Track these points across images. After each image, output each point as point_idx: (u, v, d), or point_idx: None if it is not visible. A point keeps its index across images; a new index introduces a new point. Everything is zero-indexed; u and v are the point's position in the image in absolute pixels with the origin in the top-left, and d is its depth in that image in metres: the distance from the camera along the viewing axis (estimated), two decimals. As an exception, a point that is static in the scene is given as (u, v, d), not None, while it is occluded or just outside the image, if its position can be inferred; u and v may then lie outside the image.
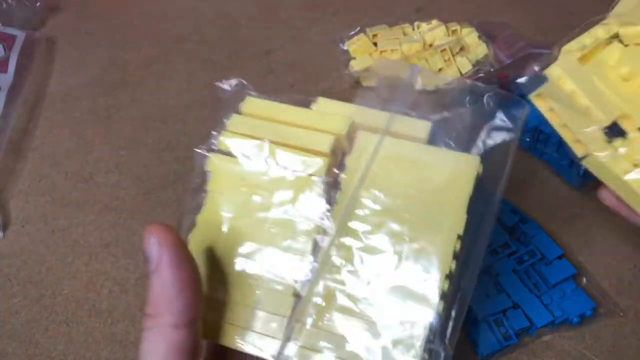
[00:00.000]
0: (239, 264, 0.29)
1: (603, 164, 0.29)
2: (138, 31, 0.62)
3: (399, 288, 0.27)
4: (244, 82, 0.35)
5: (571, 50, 0.31)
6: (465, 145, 0.31)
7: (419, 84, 0.33)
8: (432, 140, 0.31)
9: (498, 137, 0.30)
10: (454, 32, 0.56)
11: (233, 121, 0.32)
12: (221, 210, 0.30)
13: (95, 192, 0.46)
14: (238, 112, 0.33)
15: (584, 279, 0.39)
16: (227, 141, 0.32)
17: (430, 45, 0.55)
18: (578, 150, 0.30)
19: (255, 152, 0.31)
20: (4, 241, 0.43)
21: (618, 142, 0.29)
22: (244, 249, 0.29)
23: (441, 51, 0.52)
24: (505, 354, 0.36)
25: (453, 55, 0.53)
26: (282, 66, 0.57)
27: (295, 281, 0.28)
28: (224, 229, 0.30)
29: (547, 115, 0.31)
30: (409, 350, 0.26)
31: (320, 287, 0.28)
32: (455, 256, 0.27)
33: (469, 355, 0.35)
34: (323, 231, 0.29)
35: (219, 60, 0.58)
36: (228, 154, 0.31)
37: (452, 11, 0.62)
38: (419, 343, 0.26)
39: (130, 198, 0.45)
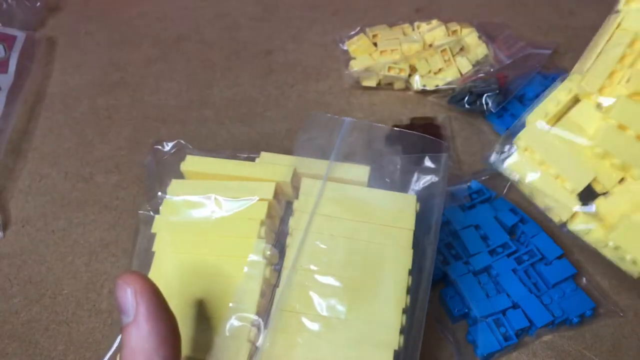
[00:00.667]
0: (192, 316, 0.28)
1: (579, 236, 0.29)
2: (138, 31, 0.62)
3: (355, 331, 0.27)
4: (182, 142, 0.35)
5: (536, 119, 0.30)
6: (400, 186, 0.32)
7: (352, 137, 0.33)
8: (371, 183, 0.32)
9: (427, 178, 0.32)
10: (454, 32, 0.56)
11: (174, 185, 0.32)
12: (169, 268, 0.30)
13: (95, 192, 0.46)
14: (179, 172, 0.33)
15: (584, 279, 0.39)
16: (172, 202, 0.32)
17: (430, 46, 0.55)
18: (555, 218, 0.30)
19: (200, 207, 0.31)
20: (4, 241, 0.43)
21: (593, 208, 0.29)
22: (194, 301, 0.29)
23: (441, 51, 0.52)
24: (505, 354, 0.36)
25: (453, 56, 0.53)
26: (282, 66, 0.57)
27: (253, 325, 0.27)
28: (173, 285, 0.29)
29: (519, 186, 0.31)
30: None
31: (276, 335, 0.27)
32: (408, 291, 0.28)
33: (469, 356, 0.35)
34: (272, 274, 0.29)
35: (219, 60, 0.58)
36: (173, 213, 0.31)
37: (452, 11, 0.62)
38: None
39: (130, 198, 0.45)
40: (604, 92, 0.29)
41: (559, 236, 0.40)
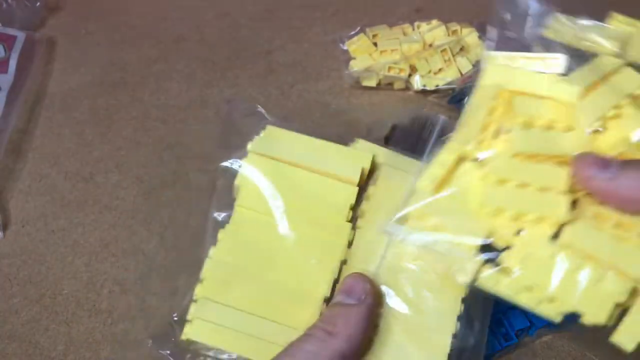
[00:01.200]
0: (263, 279, 0.30)
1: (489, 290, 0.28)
2: (138, 31, 0.62)
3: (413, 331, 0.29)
4: (260, 108, 0.35)
5: (427, 185, 0.30)
6: None
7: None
8: None
9: None
10: (454, 32, 0.56)
11: (257, 143, 0.33)
12: (248, 225, 0.31)
13: (95, 192, 0.46)
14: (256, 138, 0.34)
15: (584, 279, 0.39)
16: (254, 158, 0.32)
17: (430, 45, 0.55)
18: (460, 279, 0.29)
19: (287, 174, 0.32)
20: (4, 241, 0.43)
21: (500, 260, 0.28)
22: (271, 262, 0.30)
23: (441, 51, 0.52)
24: (506, 354, 0.36)
25: (453, 56, 0.53)
26: (282, 66, 0.57)
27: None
28: (250, 241, 0.31)
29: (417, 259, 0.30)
30: None
31: None
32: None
33: (469, 356, 0.35)
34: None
35: (219, 60, 0.58)
36: (260, 170, 0.32)
37: (452, 11, 0.62)
38: None
39: (130, 198, 0.45)
40: (481, 147, 0.29)
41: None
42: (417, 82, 0.52)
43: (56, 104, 0.54)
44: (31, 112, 0.53)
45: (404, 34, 0.56)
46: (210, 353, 0.29)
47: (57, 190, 0.46)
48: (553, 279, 0.26)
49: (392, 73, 0.52)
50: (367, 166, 0.32)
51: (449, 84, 0.52)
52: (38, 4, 0.61)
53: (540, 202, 0.27)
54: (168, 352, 0.30)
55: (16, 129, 0.51)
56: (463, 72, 0.52)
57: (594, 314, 0.26)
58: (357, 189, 0.32)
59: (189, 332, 0.29)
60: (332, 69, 0.56)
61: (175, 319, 0.31)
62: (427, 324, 0.29)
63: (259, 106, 0.35)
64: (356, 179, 0.32)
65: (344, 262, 0.31)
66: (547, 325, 0.36)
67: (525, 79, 0.31)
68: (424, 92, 0.53)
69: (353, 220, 0.32)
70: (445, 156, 0.30)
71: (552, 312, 0.27)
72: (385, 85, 0.54)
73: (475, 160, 0.30)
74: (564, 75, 0.30)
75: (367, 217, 0.32)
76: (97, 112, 0.53)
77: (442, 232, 0.29)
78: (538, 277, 0.27)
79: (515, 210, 0.27)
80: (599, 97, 0.29)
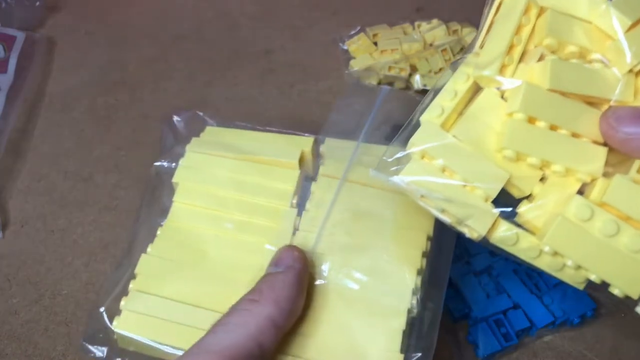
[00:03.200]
0: (203, 266, 0.29)
1: (504, 248, 0.24)
2: (138, 31, 0.62)
3: (374, 276, 0.27)
4: (200, 113, 0.35)
5: (430, 118, 0.25)
6: None
7: (390, 105, 0.33)
8: None
9: None
10: (454, 31, 0.56)
11: (195, 143, 0.33)
12: (186, 219, 0.30)
13: (94, 192, 0.46)
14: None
15: (585, 279, 0.39)
16: (194, 155, 0.32)
17: (431, 45, 0.55)
18: (471, 235, 0.25)
19: (224, 166, 0.32)
20: (3, 241, 0.43)
21: (519, 211, 0.24)
22: (209, 253, 0.29)
23: (441, 51, 0.52)
24: (506, 355, 0.36)
25: (453, 55, 0.53)
26: (282, 66, 0.57)
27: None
28: (188, 235, 0.30)
29: (420, 203, 0.25)
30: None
31: None
32: (424, 254, 0.28)
33: (469, 356, 0.35)
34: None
35: (219, 60, 0.58)
36: (196, 166, 0.32)
37: (453, 11, 0.62)
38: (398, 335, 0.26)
39: (130, 198, 0.45)
40: (504, 73, 0.24)
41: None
42: (418, 82, 0.52)
43: (55, 104, 0.53)
44: (31, 112, 0.52)
45: (405, 33, 0.56)
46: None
47: (56, 190, 0.46)
48: (583, 244, 0.23)
49: (392, 73, 0.52)
50: (308, 149, 0.31)
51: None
52: (38, 3, 0.60)
53: (572, 150, 0.23)
54: (103, 352, 0.29)
55: (15, 129, 0.50)
56: (463, 72, 0.52)
57: (629, 286, 0.22)
58: (298, 172, 0.30)
59: (119, 325, 0.27)
60: (332, 69, 0.56)
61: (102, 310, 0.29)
62: (380, 299, 0.27)
63: (199, 112, 0.35)
64: (296, 162, 0.30)
65: None
66: (547, 325, 0.36)
67: None
68: (424, 92, 0.53)
69: (300, 206, 0.30)
70: (458, 84, 0.25)
71: (576, 279, 0.24)
72: (386, 85, 0.54)
73: (497, 89, 0.25)
74: None
75: (316, 201, 0.30)
76: (96, 111, 0.53)
77: (451, 176, 0.24)
78: (565, 241, 0.23)
79: (541, 157, 0.23)
80: None
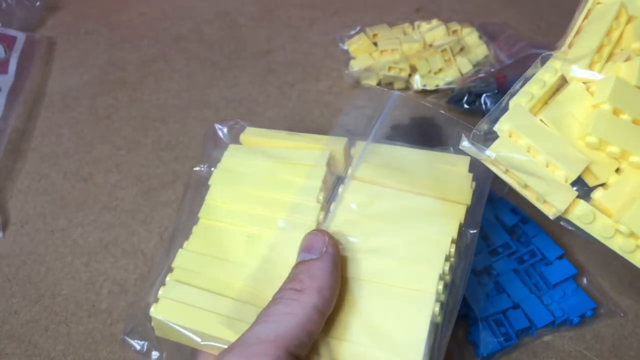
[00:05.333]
0: (235, 260, 0.30)
1: (579, 227, 0.26)
2: (138, 31, 0.62)
3: (396, 288, 0.27)
4: (240, 122, 0.36)
5: (520, 102, 0.27)
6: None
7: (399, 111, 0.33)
8: None
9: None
10: (454, 32, 0.56)
11: (231, 150, 0.34)
12: (218, 216, 0.31)
13: (94, 192, 0.46)
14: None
15: (585, 279, 0.39)
16: (230, 160, 0.33)
17: (431, 45, 0.55)
18: (548, 212, 0.26)
19: (257, 168, 0.33)
20: (3, 241, 0.43)
21: (593, 196, 0.26)
22: (239, 248, 0.30)
23: (441, 51, 0.52)
24: (506, 355, 0.36)
25: (453, 55, 0.53)
26: (282, 66, 0.57)
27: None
28: (220, 232, 0.31)
29: (505, 177, 0.27)
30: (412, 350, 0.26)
31: None
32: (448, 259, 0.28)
33: (469, 356, 0.35)
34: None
35: (218, 60, 0.58)
36: (231, 170, 0.33)
37: (453, 11, 0.62)
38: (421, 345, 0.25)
39: (130, 198, 0.45)
40: (593, 68, 0.27)
41: (560, 236, 0.40)
42: (417, 82, 0.52)
43: (55, 104, 0.53)
44: (31, 112, 0.53)
45: (404, 33, 0.56)
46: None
47: (56, 190, 0.46)
48: None
49: (392, 73, 0.52)
50: (340, 150, 0.32)
51: (449, 84, 0.52)
52: (38, 4, 0.61)
53: None
54: (141, 345, 0.30)
55: (15, 129, 0.51)
56: (463, 72, 0.52)
57: None
58: (324, 169, 0.31)
59: (156, 311, 0.28)
60: (332, 69, 0.56)
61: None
62: (407, 293, 0.27)
63: (239, 121, 0.36)
64: (324, 164, 0.32)
65: None
66: (547, 325, 0.36)
67: None
68: (424, 92, 0.53)
69: (328, 202, 0.31)
70: (546, 75, 0.28)
71: None
72: (385, 85, 0.54)
73: (584, 83, 0.27)
74: None
75: (343, 203, 0.31)
76: (96, 111, 0.53)
77: (534, 155, 0.26)
78: None
79: (622, 147, 0.25)
80: None
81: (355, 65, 0.53)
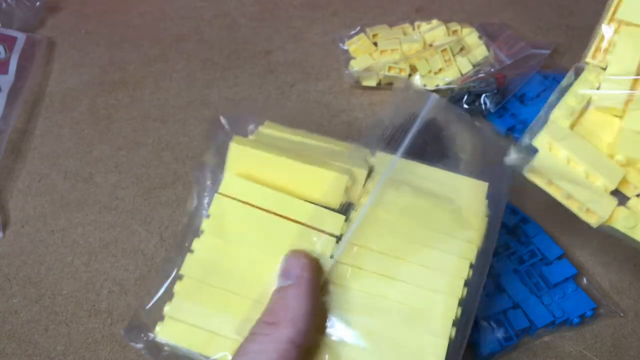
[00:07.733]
0: (245, 273, 0.29)
1: (623, 234, 0.28)
2: (138, 31, 0.62)
3: (412, 313, 0.27)
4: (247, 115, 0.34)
5: (559, 117, 0.29)
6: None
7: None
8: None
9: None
10: (454, 32, 0.56)
11: (237, 141, 0.31)
12: (231, 217, 0.30)
13: (94, 192, 0.46)
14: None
15: (585, 279, 0.39)
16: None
17: (431, 45, 0.55)
18: (591, 220, 0.28)
19: (273, 164, 0.31)
20: (3, 241, 0.43)
21: (629, 205, 0.27)
22: (252, 255, 0.29)
23: (441, 51, 0.52)
24: (506, 354, 0.36)
25: (453, 55, 0.53)
26: (282, 66, 0.57)
27: None
28: (232, 236, 0.29)
29: (547, 189, 0.29)
30: None
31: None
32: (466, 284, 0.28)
33: (469, 356, 0.35)
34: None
35: (219, 60, 0.58)
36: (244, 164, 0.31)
37: (452, 11, 0.62)
38: None
39: (130, 198, 0.45)
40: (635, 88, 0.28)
41: (560, 236, 0.40)
42: (418, 82, 0.52)
43: (56, 104, 0.53)
44: (31, 112, 0.53)
45: (404, 33, 0.56)
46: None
47: (56, 190, 0.46)
48: None
49: (392, 73, 0.52)
50: (362, 178, 0.31)
51: (449, 84, 0.52)
52: (38, 4, 0.61)
53: None
54: (141, 346, 0.29)
55: (16, 129, 0.51)
56: (463, 72, 0.52)
57: None
58: (346, 178, 0.30)
59: (161, 332, 0.28)
60: (332, 69, 0.56)
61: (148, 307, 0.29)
62: (421, 318, 0.27)
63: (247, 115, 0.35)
64: (345, 178, 0.30)
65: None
66: (547, 325, 0.36)
67: None
68: (424, 92, 0.53)
69: (347, 212, 0.30)
70: (580, 88, 0.29)
71: None
72: (385, 85, 0.54)
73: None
74: None
75: (360, 212, 0.29)
76: (96, 112, 0.53)
77: (574, 167, 0.28)
78: None
79: None
80: None
81: (355, 65, 0.53)
